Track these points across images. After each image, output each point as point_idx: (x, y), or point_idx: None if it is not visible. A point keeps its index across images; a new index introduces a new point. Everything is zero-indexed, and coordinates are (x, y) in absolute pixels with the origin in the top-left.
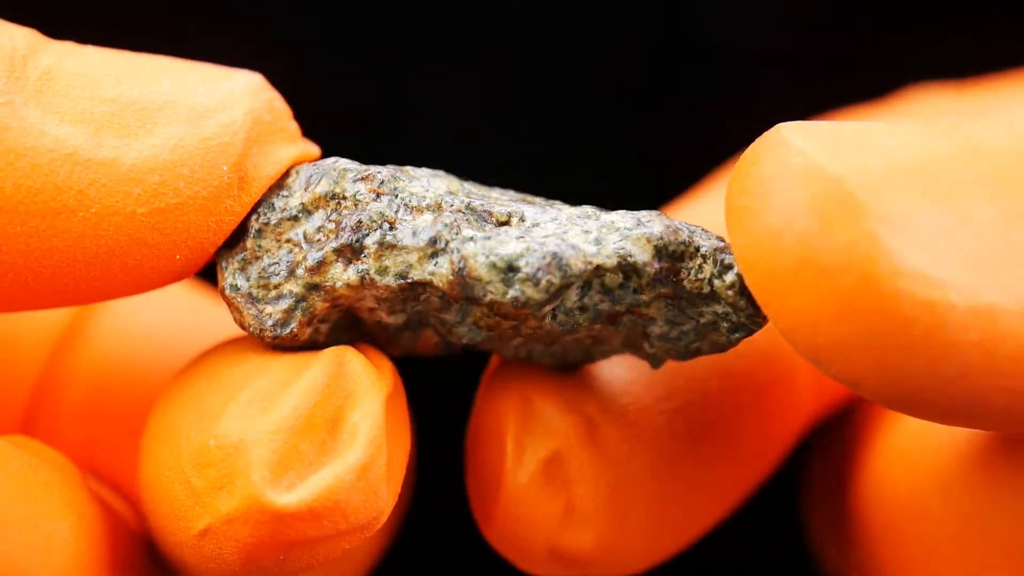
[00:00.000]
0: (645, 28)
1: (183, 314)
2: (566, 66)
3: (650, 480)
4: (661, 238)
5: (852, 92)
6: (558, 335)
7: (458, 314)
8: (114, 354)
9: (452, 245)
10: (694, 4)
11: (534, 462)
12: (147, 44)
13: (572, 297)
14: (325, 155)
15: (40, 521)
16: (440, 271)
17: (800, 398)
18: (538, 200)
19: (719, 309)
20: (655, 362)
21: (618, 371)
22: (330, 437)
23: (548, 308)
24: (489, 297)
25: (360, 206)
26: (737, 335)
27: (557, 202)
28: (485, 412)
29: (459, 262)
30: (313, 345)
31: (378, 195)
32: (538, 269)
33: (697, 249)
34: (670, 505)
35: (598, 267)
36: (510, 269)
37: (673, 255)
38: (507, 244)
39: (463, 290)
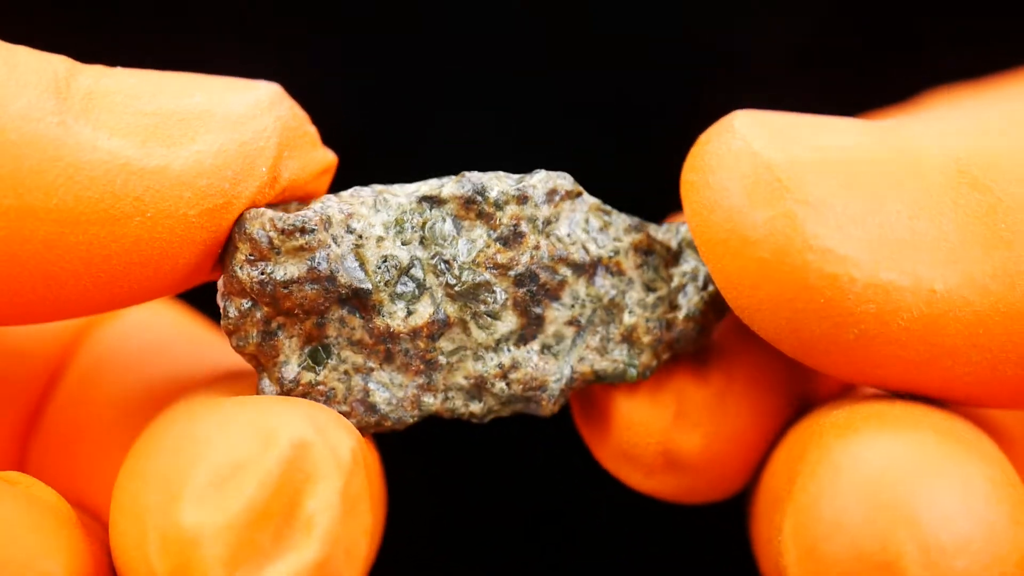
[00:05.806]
0: (656, 37)
1: (175, 343)
2: (571, 70)
3: (747, 381)
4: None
5: (873, 97)
6: (550, 288)
7: (464, 246)
8: (103, 383)
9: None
10: (704, 10)
11: None
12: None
13: (563, 226)
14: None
15: (33, 561)
16: (449, 187)
17: None
18: None
19: (687, 268)
20: (640, 370)
21: None
22: (287, 525)
23: (547, 211)
24: (496, 190)
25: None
26: (706, 291)
27: None
28: None
29: (469, 175)
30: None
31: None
32: (538, 174)
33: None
34: (762, 404)
35: (580, 194)
36: (514, 176)
37: (639, 227)
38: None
39: (473, 190)
